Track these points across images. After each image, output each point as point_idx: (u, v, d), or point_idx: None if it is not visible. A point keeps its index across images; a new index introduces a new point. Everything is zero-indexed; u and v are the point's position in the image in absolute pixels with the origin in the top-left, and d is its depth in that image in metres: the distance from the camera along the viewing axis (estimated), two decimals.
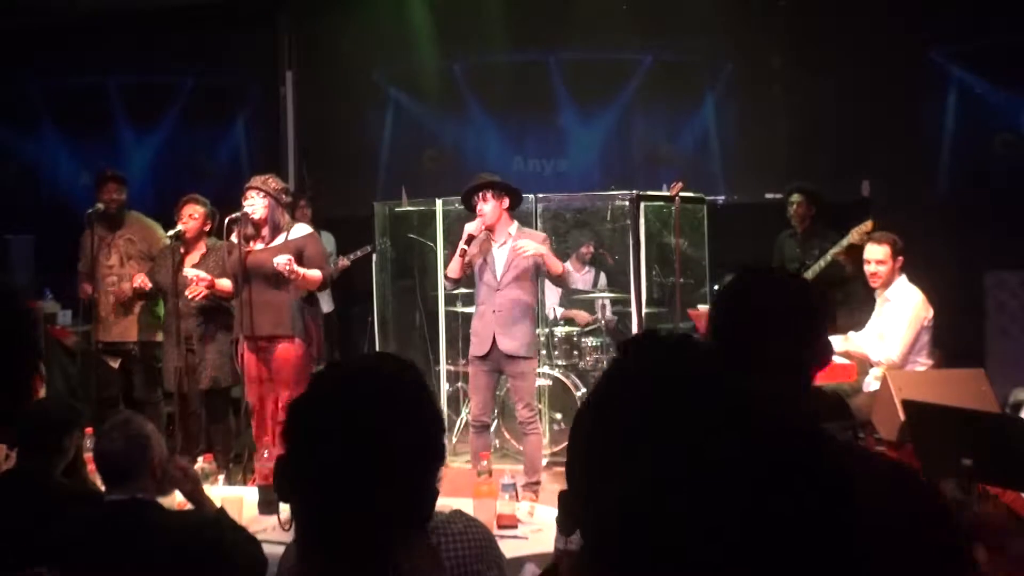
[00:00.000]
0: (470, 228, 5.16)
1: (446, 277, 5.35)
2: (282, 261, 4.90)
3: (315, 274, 5.09)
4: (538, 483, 5.21)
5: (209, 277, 5.23)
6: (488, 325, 5.19)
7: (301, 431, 1.39)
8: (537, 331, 6.90)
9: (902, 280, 5.02)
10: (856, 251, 5.43)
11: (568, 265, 5.26)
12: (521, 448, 5.61)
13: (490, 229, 5.17)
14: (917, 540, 1.41)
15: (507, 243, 5.17)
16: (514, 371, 5.23)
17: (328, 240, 7.52)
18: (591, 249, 7.48)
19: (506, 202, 5.17)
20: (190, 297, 5.30)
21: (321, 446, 1.36)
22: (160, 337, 5.81)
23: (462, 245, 5.16)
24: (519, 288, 5.17)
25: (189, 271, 5.28)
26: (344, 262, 7.03)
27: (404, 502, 1.38)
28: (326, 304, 7.38)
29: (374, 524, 1.35)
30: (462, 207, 6.75)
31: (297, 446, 1.39)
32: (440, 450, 1.45)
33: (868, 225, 5.46)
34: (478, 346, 5.26)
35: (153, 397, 5.96)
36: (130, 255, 5.99)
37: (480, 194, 5.15)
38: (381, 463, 1.34)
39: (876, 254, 5.03)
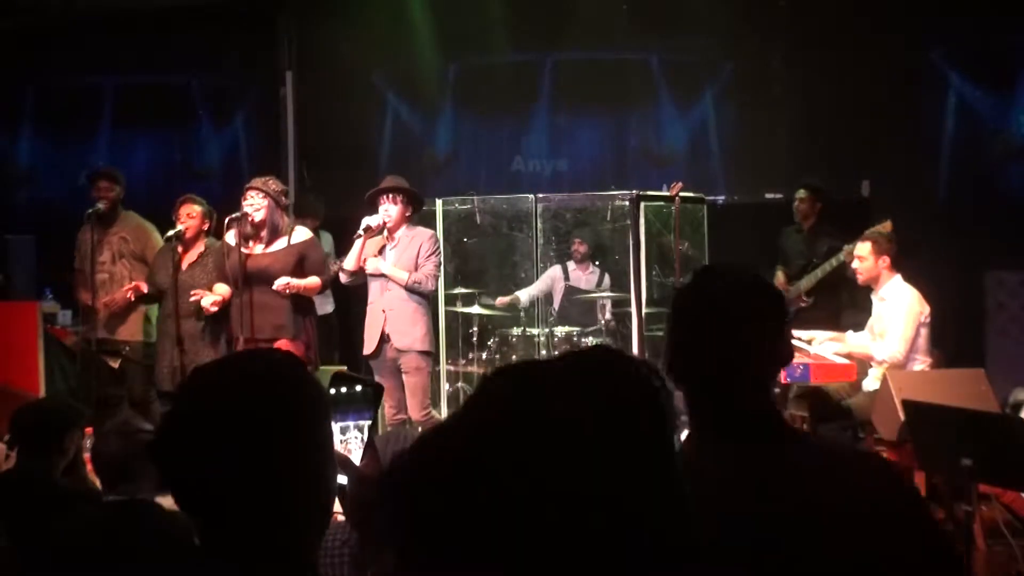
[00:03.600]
0: (369, 220, 5.31)
1: (342, 269, 5.45)
2: (281, 285, 4.98)
3: (314, 282, 5.15)
4: None
5: (219, 297, 5.20)
6: (376, 323, 5.34)
7: (176, 443, 1.29)
8: (526, 332, 6.94)
9: (896, 279, 5.07)
10: None
11: (421, 274, 5.32)
12: None
13: (390, 231, 5.35)
14: (885, 528, 1.42)
15: (399, 244, 5.36)
16: (407, 365, 5.32)
17: (326, 240, 7.50)
18: (580, 248, 7.43)
19: (410, 209, 5.38)
20: (191, 301, 5.27)
21: (194, 456, 1.26)
22: (152, 337, 5.79)
23: (359, 232, 5.30)
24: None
25: (205, 301, 5.17)
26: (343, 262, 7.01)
27: (291, 499, 1.28)
28: (328, 305, 7.35)
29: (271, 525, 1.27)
30: (462, 207, 6.71)
31: (176, 459, 1.29)
32: (321, 440, 1.32)
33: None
34: (366, 345, 5.37)
35: (148, 397, 5.94)
36: (122, 254, 5.97)
37: (389, 195, 5.32)
38: (257, 461, 1.25)
39: (859, 251, 5.14)
